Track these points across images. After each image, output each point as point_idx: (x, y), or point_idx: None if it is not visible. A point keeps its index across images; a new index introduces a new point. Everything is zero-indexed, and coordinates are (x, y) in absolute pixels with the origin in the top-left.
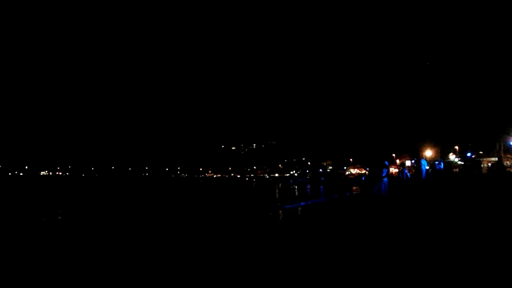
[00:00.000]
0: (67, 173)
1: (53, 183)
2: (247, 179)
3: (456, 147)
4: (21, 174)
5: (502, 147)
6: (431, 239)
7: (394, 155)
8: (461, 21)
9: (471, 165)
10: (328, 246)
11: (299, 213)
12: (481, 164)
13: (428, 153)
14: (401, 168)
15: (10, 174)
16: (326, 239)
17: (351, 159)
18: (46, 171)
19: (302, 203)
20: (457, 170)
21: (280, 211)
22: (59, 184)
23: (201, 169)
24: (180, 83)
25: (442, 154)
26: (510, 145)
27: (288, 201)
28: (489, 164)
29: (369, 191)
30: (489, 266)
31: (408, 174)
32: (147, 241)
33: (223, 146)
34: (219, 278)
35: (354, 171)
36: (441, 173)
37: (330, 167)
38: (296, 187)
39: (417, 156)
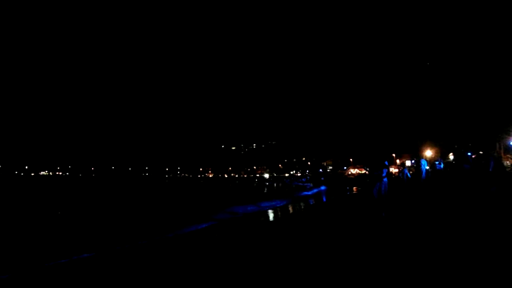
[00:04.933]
0: (67, 173)
1: (53, 183)
2: (245, 176)
3: (456, 147)
4: (21, 174)
5: (502, 147)
6: (431, 240)
7: (394, 155)
8: (461, 21)
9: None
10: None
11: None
12: None
13: (428, 153)
14: (401, 168)
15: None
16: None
17: (351, 159)
18: (46, 171)
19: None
20: None
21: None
22: (59, 184)
23: (201, 169)
24: (180, 84)
25: (442, 154)
26: (510, 145)
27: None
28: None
29: (369, 191)
30: (488, 269)
31: (409, 174)
32: None
33: (223, 146)
34: None
35: (354, 171)
36: (441, 173)
37: (330, 167)
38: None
39: (417, 156)
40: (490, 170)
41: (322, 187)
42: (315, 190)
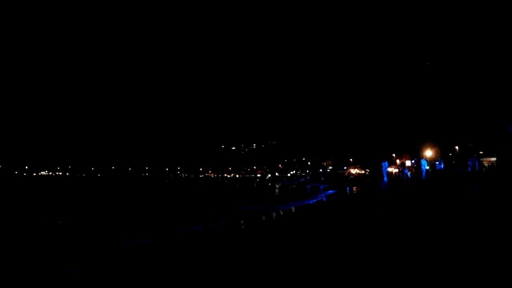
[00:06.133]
0: (67, 173)
1: (53, 183)
2: (246, 175)
3: (456, 147)
4: (24, 174)
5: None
6: (430, 239)
7: (394, 155)
8: (461, 21)
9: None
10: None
11: None
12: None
13: (428, 153)
14: (401, 168)
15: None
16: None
17: (351, 159)
18: (46, 171)
19: None
20: None
21: None
22: (59, 184)
23: (201, 169)
24: (180, 84)
25: (442, 154)
26: None
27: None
28: (489, 164)
29: (369, 191)
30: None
31: (408, 174)
32: None
33: (223, 146)
34: None
35: (354, 171)
36: (441, 173)
37: (330, 167)
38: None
39: (417, 156)
40: (469, 170)
41: (320, 194)
42: (326, 193)
